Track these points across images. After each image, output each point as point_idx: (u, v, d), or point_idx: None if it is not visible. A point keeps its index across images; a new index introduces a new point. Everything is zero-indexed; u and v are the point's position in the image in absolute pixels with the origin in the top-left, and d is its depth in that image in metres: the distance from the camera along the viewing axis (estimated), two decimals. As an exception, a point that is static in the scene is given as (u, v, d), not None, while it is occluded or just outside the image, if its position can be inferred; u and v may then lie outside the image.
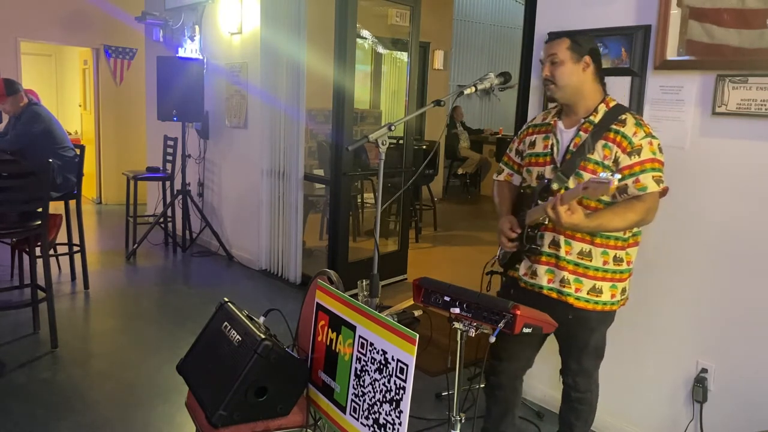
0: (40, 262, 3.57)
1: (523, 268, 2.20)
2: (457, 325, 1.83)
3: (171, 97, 5.41)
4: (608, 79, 2.60)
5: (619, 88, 2.58)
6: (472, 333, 1.81)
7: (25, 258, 4.15)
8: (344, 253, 4.65)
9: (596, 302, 2.09)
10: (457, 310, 1.80)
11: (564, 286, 2.08)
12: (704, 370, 2.43)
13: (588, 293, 2.08)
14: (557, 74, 2.02)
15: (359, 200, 6.06)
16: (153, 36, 6.49)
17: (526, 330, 1.72)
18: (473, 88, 2.08)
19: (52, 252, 4.63)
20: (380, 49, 7.24)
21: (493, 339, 1.70)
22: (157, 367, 3.36)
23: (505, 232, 2.14)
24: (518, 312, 1.68)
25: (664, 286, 2.54)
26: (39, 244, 3.55)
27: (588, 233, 2.03)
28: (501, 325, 1.69)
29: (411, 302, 2.05)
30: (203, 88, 5.59)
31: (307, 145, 5.27)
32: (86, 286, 4.61)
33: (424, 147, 6.77)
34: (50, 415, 2.83)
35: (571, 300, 2.08)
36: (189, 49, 5.98)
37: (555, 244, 2.08)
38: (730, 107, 2.27)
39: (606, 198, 1.99)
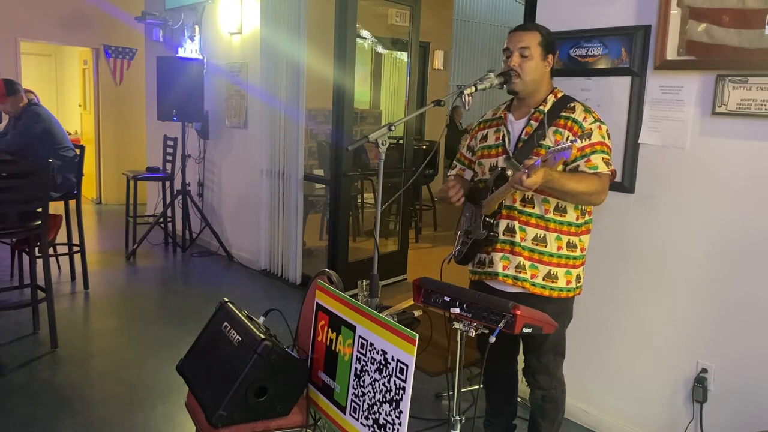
0: (39, 262, 3.57)
1: (477, 263, 2.24)
2: (457, 325, 1.84)
3: (171, 97, 5.42)
4: (608, 79, 2.62)
5: (619, 88, 2.58)
6: (472, 333, 1.81)
7: (25, 258, 4.15)
8: (344, 253, 4.65)
9: (552, 288, 2.12)
10: (457, 310, 1.81)
11: (520, 272, 2.11)
12: (704, 370, 2.43)
13: (544, 279, 2.11)
14: (525, 67, 2.08)
15: (359, 200, 6.06)
16: (153, 36, 6.49)
17: (527, 330, 1.73)
18: (473, 88, 2.09)
19: (51, 252, 4.64)
20: (380, 49, 7.23)
21: (493, 339, 1.70)
22: (157, 367, 3.36)
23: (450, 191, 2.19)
24: (518, 312, 1.69)
25: (664, 285, 2.54)
26: (39, 244, 3.55)
27: (542, 219, 2.09)
28: (501, 325, 1.70)
29: (411, 302, 2.06)
30: (203, 88, 5.59)
31: (307, 145, 5.27)
32: (86, 286, 4.61)
33: (424, 147, 6.77)
34: (50, 415, 2.83)
35: (527, 285, 2.11)
36: (189, 49, 5.98)
37: (510, 230, 2.12)
38: (730, 107, 2.27)
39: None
